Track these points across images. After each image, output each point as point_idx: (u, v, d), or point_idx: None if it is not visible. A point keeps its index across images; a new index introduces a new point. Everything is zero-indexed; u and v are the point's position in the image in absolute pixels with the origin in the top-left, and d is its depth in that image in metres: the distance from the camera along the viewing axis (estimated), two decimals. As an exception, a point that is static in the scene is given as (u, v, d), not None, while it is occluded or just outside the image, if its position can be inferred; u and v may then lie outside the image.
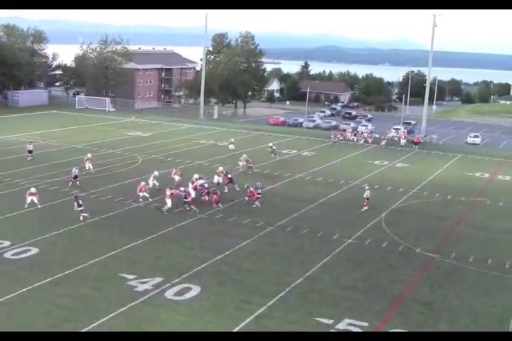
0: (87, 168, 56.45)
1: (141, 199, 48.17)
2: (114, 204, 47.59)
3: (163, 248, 38.57)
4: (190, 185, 49.88)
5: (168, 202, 46.26)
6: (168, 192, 46.58)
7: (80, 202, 43.71)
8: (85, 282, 32.60)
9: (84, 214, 43.52)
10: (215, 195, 48.13)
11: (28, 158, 62.70)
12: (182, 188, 47.88)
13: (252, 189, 49.32)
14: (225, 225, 43.87)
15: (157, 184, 52.08)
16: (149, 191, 49.37)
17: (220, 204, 47.82)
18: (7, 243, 38.11)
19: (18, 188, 51.58)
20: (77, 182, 52.96)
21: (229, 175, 54.17)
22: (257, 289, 32.48)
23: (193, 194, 48.55)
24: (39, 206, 45.54)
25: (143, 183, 49.54)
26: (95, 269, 34.53)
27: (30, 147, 63.72)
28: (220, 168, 56.43)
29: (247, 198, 49.55)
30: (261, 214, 46.56)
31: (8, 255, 36.34)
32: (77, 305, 29.77)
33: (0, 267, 34.55)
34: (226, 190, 52.91)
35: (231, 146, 72.42)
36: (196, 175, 51.97)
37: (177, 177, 54.07)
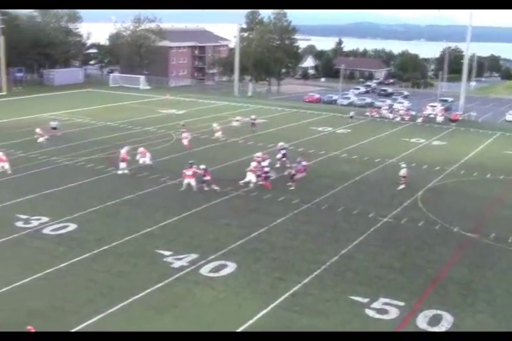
0: (141, 162, 52.94)
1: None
2: (149, 182, 47.77)
3: (198, 225, 38.65)
4: (253, 165, 47.86)
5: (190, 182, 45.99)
6: (189, 172, 45.93)
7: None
8: (122, 258, 32.84)
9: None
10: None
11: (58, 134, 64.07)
12: (202, 166, 46.57)
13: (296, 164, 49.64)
14: (261, 202, 43.81)
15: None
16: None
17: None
18: (46, 219, 38.54)
19: (54, 166, 52.09)
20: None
21: (283, 151, 54.19)
22: (292, 267, 32.42)
23: (251, 177, 47.01)
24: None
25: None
26: (131, 246, 34.75)
27: (54, 124, 65.12)
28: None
29: (293, 172, 48.50)
30: (296, 191, 46.36)
31: (47, 230, 36.76)
32: (114, 281, 29.99)
33: (39, 242, 35.02)
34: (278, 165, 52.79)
35: (235, 124, 72.02)
36: (258, 154, 50.93)
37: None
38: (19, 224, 37.73)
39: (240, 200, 44.24)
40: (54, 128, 64.73)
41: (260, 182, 46.96)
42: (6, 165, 49.67)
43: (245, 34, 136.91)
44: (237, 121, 72.53)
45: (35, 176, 49.09)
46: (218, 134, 65.66)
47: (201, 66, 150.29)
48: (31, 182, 47.35)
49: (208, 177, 46.21)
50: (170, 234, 36.79)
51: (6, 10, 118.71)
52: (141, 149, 52.86)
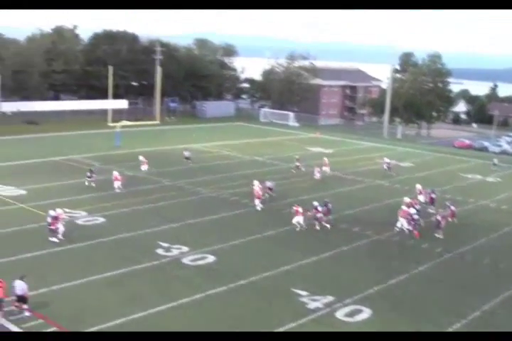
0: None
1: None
2: (312, 221, 47.53)
3: (337, 267, 38.17)
4: (403, 209, 47.06)
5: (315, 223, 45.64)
6: (299, 209, 45.47)
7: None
8: (257, 294, 32.80)
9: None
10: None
11: (188, 163, 66.75)
12: (315, 203, 46.20)
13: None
14: (403, 248, 42.81)
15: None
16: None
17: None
18: (186, 248, 39.24)
19: (199, 196, 53.25)
20: (273, 194, 54.09)
21: (433, 195, 53.24)
22: (430, 318, 31.33)
23: (404, 223, 46.05)
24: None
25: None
26: (269, 282, 34.66)
27: (187, 153, 67.87)
28: (418, 186, 55.89)
29: (439, 218, 46.81)
30: (440, 239, 45.03)
31: (186, 260, 37.38)
32: (248, 315, 29.96)
33: (178, 271, 35.66)
34: (432, 211, 51.67)
35: (297, 163, 69.78)
36: (407, 199, 49.85)
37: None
38: (160, 251, 38.59)
39: (380, 245, 43.43)
40: (187, 158, 67.08)
41: (408, 229, 45.89)
42: (119, 184, 53.81)
43: (398, 75, 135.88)
44: (386, 163, 71.52)
45: (180, 205, 50.30)
46: (326, 168, 66.50)
47: (351, 106, 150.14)
48: (176, 210, 48.49)
49: (319, 215, 45.79)
50: (308, 274, 36.49)
51: (165, 41, 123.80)
52: (269, 183, 54.61)
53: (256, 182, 52.52)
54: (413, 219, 45.86)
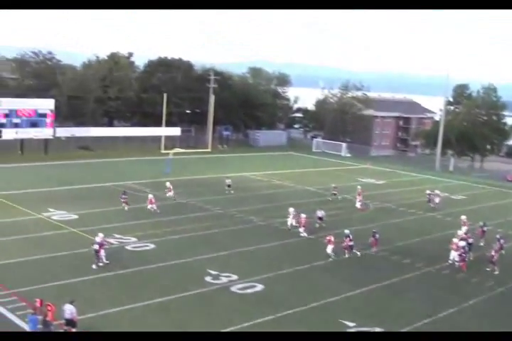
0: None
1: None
2: (340, 250, 47.31)
3: (385, 299, 37.74)
4: (455, 241, 46.40)
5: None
6: (332, 239, 45.77)
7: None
8: (304, 324, 32.53)
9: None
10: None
11: (227, 191, 67.19)
12: (346, 231, 47.07)
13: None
14: (453, 281, 42.13)
15: None
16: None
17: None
18: (235, 277, 39.23)
19: (249, 225, 53.34)
20: (323, 224, 54.20)
21: (485, 228, 52.52)
22: (481, 353, 30.66)
23: (454, 255, 45.48)
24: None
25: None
26: (316, 313, 34.39)
27: (228, 181, 68.29)
28: (463, 217, 55.47)
29: (492, 253, 45.61)
30: (491, 273, 44.12)
31: (234, 288, 37.39)
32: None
33: (226, 299, 35.65)
34: (482, 244, 50.98)
35: (335, 192, 69.51)
36: (460, 232, 49.57)
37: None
38: (209, 279, 38.66)
39: (430, 277, 42.83)
40: (228, 186, 67.53)
41: (456, 262, 45.21)
42: (155, 206, 55.78)
43: (452, 107, 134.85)
44: (436, 195, 70.62)
45: (231, 233, 50.46)
46: (359, 202, 65.65)
47: (404, 137, 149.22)
48: (226, 238, 48.63)
49: (351, 243, 45.88)
50: (356, 305, 36.14)
51: (219, 69, 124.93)
52: (320, 213, 55.10)
53: (291, 210, 53.14)
54: (464, 252, 45.23)
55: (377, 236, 47.58)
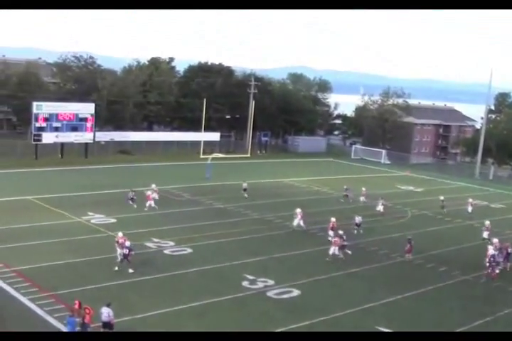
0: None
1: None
2: (378, 256, 47.29)
3: (421, 306, 37.53)
4: (491, 248, 45.72)
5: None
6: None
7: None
8: (340, 330, 32.41)
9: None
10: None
11: (245, 195, 67.04)
12: (340, 231, 47.67)
13: None
14: (488, 290, 41.78)
15: None
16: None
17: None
18: (271, 282, 39.34)
19: (286, 230, 53.35)
20: (360, 231, 54.35)
21: None
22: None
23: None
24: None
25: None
26: (351, 319, 34.36)
27: (245, 185, 68.44)
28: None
29: None
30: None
31: (271, 294, 37.48)
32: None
33: (261, 304, 35.78)
34: None
35: (348, 194, 70.28)
36: (495, 240, 47.89)
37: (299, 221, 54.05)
38: (245, 284, 38.79)
39: (467, 285, 42.46)
40: (244, 190, 67.66)
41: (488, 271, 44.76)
42: (152, 203, 57.29)
43: (493, 116, 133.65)
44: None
45: (268, 239, 50.57)
46: (362, 198, 68.12)
47: (444, 145, 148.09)
48: (263, 244, 48.80)
49: (344, 243, 46.70)
50: (391, 313, 35.99)
51: (259, 75, 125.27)
52: (357, 219, 55.17)
53: (298, 211, 54.45)
54: (494, 261, 44.52)
55: (412, 242, 47.30)
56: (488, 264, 44.43)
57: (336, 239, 46.32)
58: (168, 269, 40.64)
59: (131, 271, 39.65)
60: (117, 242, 41.51)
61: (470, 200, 68.41)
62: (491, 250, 45.19)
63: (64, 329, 29.17)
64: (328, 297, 37.85)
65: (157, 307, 33.91)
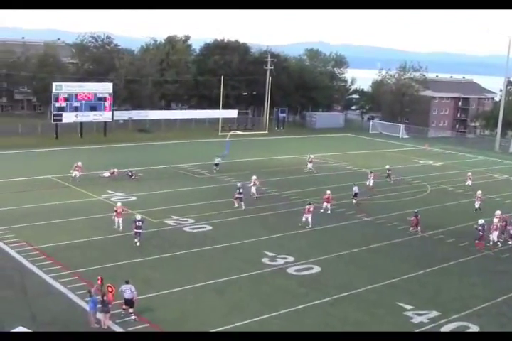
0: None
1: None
2: (398, 232, 47.17)
3: (443, 281, 37.44)
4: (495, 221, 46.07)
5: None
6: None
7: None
8: (361, 306, 32.55)
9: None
10: None
11: (215, 171, 66.91)
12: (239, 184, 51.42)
13: None
14: (511, 265, 41.62)
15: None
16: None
17: None
18: (291, 258, 39.37)
19: (302, 207, 52.94)
20: (358, 201, 54.74)
21: None
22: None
23: (493, 236, 45.09)
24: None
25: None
26: (372, 295, 34.35)
27: (218, 160, 68.01)
28: None
29: None
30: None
31: (290, 270, 37.51)
32: (348, 328, 29.64)
33: (281, 281, 35.79)
34: None
35: (309, 165, 70.42)
36: (498, 212, 47.83)
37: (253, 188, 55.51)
38: (265, 260, 38.85)
39: (489, 260, 42.33)
40: (216, 165, 67.26)
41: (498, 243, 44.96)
42: (77, 174, 58.91)
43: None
44: (469, 177, 68.39)
45: (287, 215, 50.36)
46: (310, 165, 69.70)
47: (463, 118, 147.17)
48: (282, 221, 48.73)
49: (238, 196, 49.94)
50: (413, 288, 35.95)
51: (276, 52, 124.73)
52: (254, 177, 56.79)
53: (254, 177, 56.19)
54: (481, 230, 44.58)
55: (419, 216, 47.12)
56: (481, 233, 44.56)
57: (310, 207, 47.09)
58: (188, 246, 40.78)
59: (138, 244, 40.44)
60: (116, 211, 43.27)
61: (469, 174, 67.43)
62: (480, 220, 45.16)
63: (86, 307, 29.39)
64: (349, 273, 37.86)
65: (178, 284, 34.08)
